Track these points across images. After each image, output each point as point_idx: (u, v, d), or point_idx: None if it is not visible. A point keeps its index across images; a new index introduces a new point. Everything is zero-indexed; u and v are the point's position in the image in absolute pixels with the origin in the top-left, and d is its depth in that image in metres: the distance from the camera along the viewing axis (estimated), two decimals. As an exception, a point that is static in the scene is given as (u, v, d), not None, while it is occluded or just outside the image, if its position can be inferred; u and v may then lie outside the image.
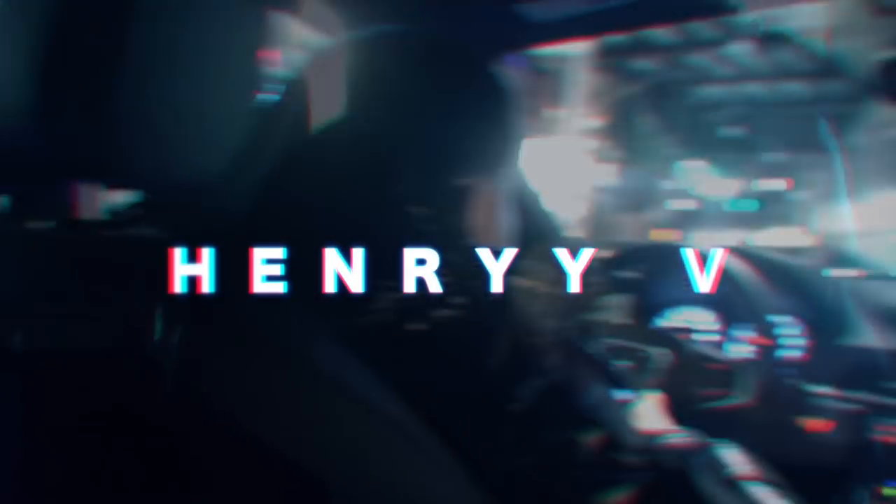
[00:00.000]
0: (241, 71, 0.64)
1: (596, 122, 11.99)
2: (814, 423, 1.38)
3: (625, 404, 0.61)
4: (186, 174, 0.61)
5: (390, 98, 0.63)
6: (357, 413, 0.51)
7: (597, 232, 12.05)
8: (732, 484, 0.84)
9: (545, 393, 0.54)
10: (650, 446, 0.58)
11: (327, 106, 0.61)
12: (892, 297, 1.59)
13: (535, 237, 1.52)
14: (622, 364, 1.35)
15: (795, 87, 13.68)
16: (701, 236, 12.98)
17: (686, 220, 14.03)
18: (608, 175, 12.84)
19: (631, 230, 12.21)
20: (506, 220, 0.72)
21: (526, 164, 0.78)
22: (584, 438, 0.54)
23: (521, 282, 0.61)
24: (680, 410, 1.32)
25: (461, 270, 0.59)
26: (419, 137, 0.63)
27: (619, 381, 0.62)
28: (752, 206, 14.15)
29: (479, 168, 0.66)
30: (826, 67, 12.73)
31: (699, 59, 11.74)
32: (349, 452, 0.48)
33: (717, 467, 0.88)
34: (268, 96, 0.67)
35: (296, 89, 0.67)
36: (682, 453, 0.94)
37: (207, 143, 0.62)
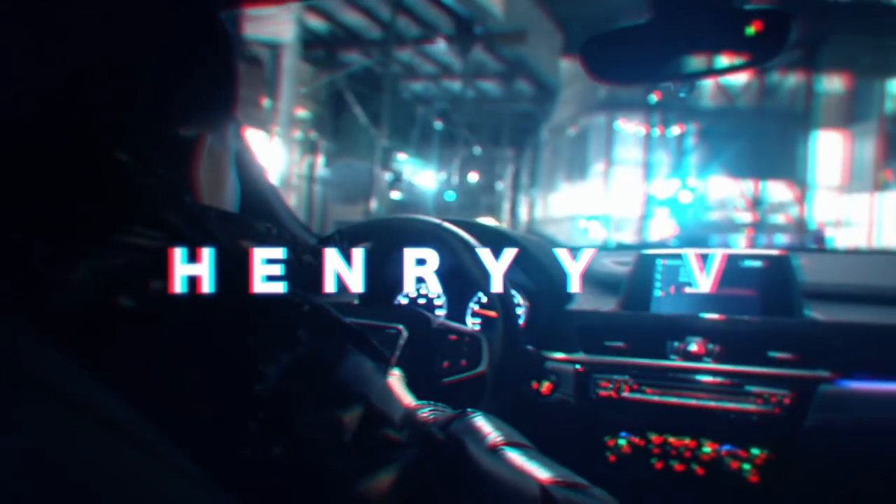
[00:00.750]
0: None
1: (305, 112, 11.96)
2: (545, 386, 1.43)
3: (384, 376, 0.53)
4: None
5: (90, 31, 0.49)
6: (58, 413, 0.37)
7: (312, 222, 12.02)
8: (493, 451, 0.82)
9: (294, 370, 0.45)
10: (415, 419, 0.51)
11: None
12: (597, 265, 1.71)
13: (260, 204, 1.40)
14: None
15: (489, 86, 14.90)
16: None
17: (399, 210, 14.61)
18: (321, 166, 12.92)
19: (350, 221, 12.39)
20: (229, 180, 0.62)
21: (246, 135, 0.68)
22: (344, 416, 0.45)
23: (249, 243, 0.51)
24: (427, 383, 1.29)
25: (184, 231, 0.48)
26: (129, 78, 0.50)
27: (375, 353, 0.54)
28: (451, 196, 15.09)
29: (200, 119, 0.55)
30: (514, 69, 14.03)
31: (405, 54, 12.23)
32: (55, 464, 0.35)
33: (476, 437, 0.86)
34: None
35: None
36: (442, 425, 0.90)
37: None
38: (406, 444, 0.48)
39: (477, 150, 15.25)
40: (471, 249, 1.31)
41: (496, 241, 1.55)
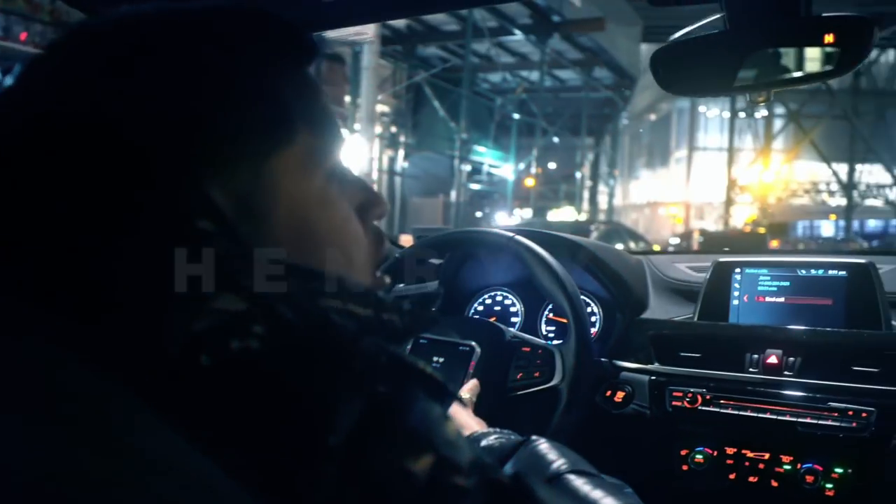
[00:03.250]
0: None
1: (386, 108, 12.10)
2: (618, 394, 1.44)
3: (450, 417, 0.53)
4: None
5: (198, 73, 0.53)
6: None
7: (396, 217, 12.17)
8: (556, 480, 0.84)
9: (367, 419, 0.46)
10: (482, 462, 0.52)
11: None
12: (672, 271, 1.70)
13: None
14: (441, 361, 1.33)
15: (568, 75, 14.72)
16: (500, 216, 13.63)
17: (479, 200, 14.62)
18: (402, 160, 13.06)
19: (429, 213, 12.50)
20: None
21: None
22: (414, 464, 0.46)
23: (331, 302, 0.52)
24: (500, 394, 1.32)
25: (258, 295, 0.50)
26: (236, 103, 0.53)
27: (440, 390, 0.54)
28: (529, 184, 15.00)
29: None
30: (593, 56, 13.81)
31: (482, 46, 12.20)
32: None
33: (539, 465, 0.87)
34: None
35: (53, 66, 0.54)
36: (508, 453, 0.91)
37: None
38: (474, 492, 0.49)
39: (555, 139, 15.09)
40: (542, 262, 1.33)
41: (567, 250, 1.56)
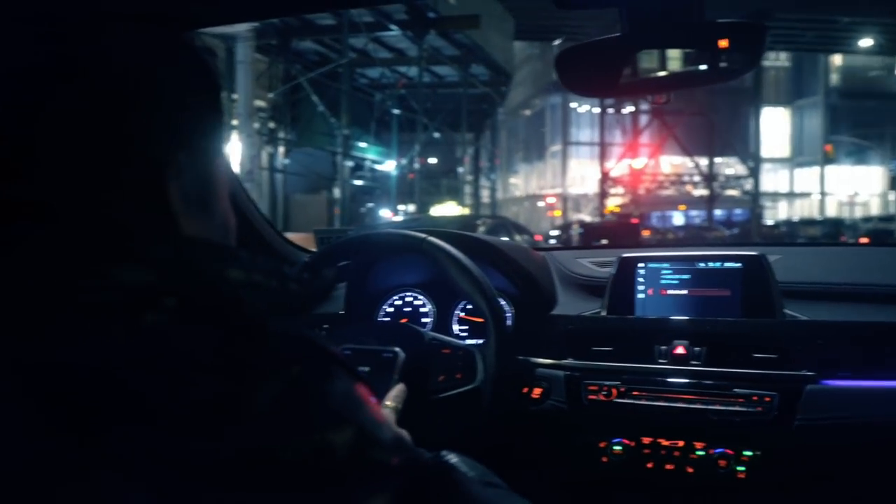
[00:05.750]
0: None
1: (263, 103, 11.78)
2: (535, 391, 1.45)
3: (371, 398, 0.53)
4: None
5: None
6: None
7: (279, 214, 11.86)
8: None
9: (283, 397, 0.45)
10: (406, 442, 0.52)
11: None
12: (577, 267, 1.73)
13: (245, 223, 1.37)
14: (366, 370, 1.29)
15: (446, 71, 14.84)
16: (384, 212, 13.58)
17: (362, 196, 14.49)
18: (282, 157, 12.75)
19: (313, 210, 12.29)
20: (219, 206, 0.61)
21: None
22: (335, 440, 0.46)
23: (237, 274, 0.51)
24: (421, 400, 1.30)
25: (169, 266, 0.48)
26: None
27: (353, 372, 0.54)
28: (412, 181, 15.05)
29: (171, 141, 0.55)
30: (469, 52, 14.00)
31: (359, 40, 12.11)
32: None
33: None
34: None
35: None
36: None
37: None
38: (398, 470, 0.49)
39: (436, 134, 15.19)
40: (458, 263, 1.32)
41: (478, 249, 1.56)
